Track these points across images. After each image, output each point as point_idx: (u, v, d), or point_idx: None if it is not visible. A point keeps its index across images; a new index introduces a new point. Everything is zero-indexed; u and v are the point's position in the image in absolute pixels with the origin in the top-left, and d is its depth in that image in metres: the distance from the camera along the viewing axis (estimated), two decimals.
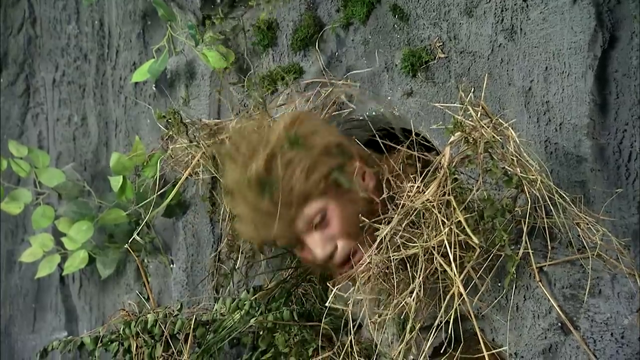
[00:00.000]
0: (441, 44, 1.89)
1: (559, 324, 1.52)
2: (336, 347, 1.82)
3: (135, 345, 1.90)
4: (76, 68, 2.96)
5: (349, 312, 1.63)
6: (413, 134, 1.73)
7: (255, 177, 1.73)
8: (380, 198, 1.69)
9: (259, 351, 1.91)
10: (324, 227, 1.77)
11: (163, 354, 1.87)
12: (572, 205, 1.56)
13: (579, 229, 1.56)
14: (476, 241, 1.45)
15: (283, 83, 2.17)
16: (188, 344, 1.86)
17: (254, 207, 1.75)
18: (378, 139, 1.78)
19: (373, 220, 1.62)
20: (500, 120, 1.55)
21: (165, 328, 1.88)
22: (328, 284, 1.72)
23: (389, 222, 1.57)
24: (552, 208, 1.54)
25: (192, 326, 1.86)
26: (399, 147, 1.77)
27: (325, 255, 1.77)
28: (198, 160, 2.11)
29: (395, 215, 1.56)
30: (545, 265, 1.55)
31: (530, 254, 1.54)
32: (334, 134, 1.87)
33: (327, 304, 1.67)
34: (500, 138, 1.52)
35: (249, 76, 2.19)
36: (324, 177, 1.74)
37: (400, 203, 1.57)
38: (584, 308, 1.51)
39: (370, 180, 1.82)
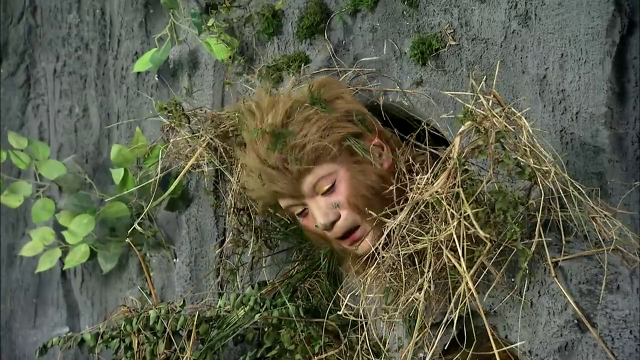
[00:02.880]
0: (452, 30, 1.87)
1: (576, 321, 1.49)
2: (343, 344, 1.81)
3: (136, 341, 1.90)
4: (77, 58, 2.97)
5: (359, 309, 1.62)
6: (423, 123, 1.71)
7: (270, 128, 1.71)
8: (393, 171, 1.69)
9: (264, 348, 1.90)
10: (330, 194, 1.73)
11: (165, 351, 1.87)
12: (588, 198, 1.54)
13: (594, 223, 1.53)
14: (483, 235, 1.42)
15: (289, 72, 2.15)
16: (191, 341, 1.85)
17: (263, 159, 1.73)
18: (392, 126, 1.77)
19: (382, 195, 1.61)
20: (513, 109, 1.53)
21: (167, 324, 1.87)
22: (339, 292, 1.70)
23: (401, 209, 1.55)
24: (566, 201, 1.52)
25: (195, 322, 1.86)
26: (407, 137, 1.77)
27: (327, 222, 1.73)
28: (201, 153, 2.08)
29: (405, 207, 1.53)
30: (560, 260, 1.53)
31: (545, 248, 1.51)
32: (358, 103, 1.85)
33: (339, 312, 1.65)
34: (513, 128, 1.50)
35: (260, 69, 2.17)
36: (339, 140, 1.72)
37: (409, 195, 1.55)
38: (602, 304, 1.48)
39: (386, 159, 1.79)
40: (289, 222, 2.10)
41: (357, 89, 2.02)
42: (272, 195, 1.78)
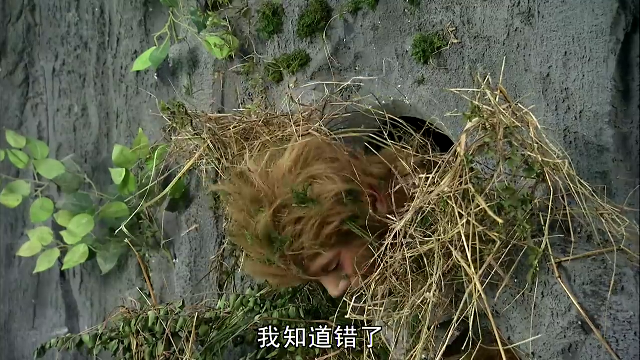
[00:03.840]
0: (454, 29, 1.85)
1: (580, 323, 1.47)
2: (344, 347, 1.80)
3: (135, 343, 1.90)
4: (76, 57, 2.97)
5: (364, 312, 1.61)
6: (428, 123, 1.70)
7: (264, 233, 1.67)
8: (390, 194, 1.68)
9: (264, 349, 1.88)
10: (337, 269, 1.75)
11: (164, 352, 1.87)
12: (595, 196, 1.52)
13: (603, 220, 1.52)
14: (501, 222, 1.39)
15: (289, 71, 2.14)
16: (190, 342, 1.85)
17: (264, 261, 1.72)
18: (386, 136, 1.75)
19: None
20: (520, 105, 1.51)
21: (166, 326, 1.87)
22: (345, 298, 1.67)
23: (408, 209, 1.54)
24: (573, 198, 1.50)
25: (194, 324, 1.85)
26: (414, 135, 1.75)
27: (340, 294, 1.75)
28: (202, 153, 2.07)
29: (410, 209, 1.52)
30: (564, 261, 1.51)
31: (549, 248, 1.50)
32: (345, 166, 1.76)
33: (347, 315, 1.63)
34: (521, 124, 1.48)
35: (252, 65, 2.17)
36: (336, 230, 1.69)
37: (414, 196, 1.54)
38: (606, 306, 1.47)
39: (382, 205, 1.76)
40: None
41: (351, 102, 2.02)
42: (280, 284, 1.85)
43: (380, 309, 1.61)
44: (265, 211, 1.67)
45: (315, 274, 1.74)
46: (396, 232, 1.55)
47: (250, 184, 1.72)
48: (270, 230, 1.66)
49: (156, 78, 2.54)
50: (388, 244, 1.57)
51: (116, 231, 2.30)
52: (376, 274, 1.59)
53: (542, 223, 1.50)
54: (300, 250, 1.67)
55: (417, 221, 1.52)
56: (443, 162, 1.52)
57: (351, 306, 1.62)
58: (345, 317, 1.64)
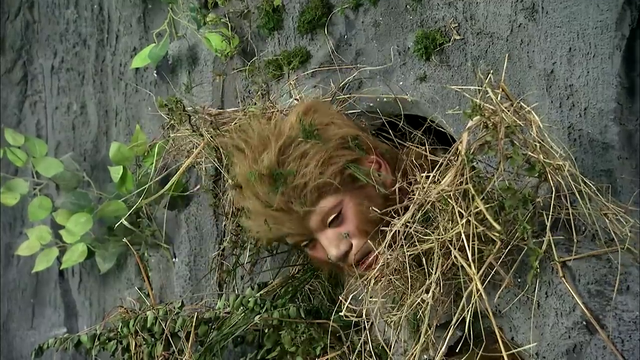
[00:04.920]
0: (457, 25, 1.84)
1: (584, 323, 1.47)
2: (345, 346, 1.80)
3: (134, 343, 1.89)
4: (75, 54, 2.96)
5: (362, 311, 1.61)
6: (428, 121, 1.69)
7: (267, 171, 1.68)
8: (394, 187, 1.66)
9: (264, 350, 1.89)
10: (338, 225, 1.73)
11: (163, 353, 1.86)
12: (599, 195, 1.52)
13: (606, 220, 1.51)
14: (498, 228, 1.40)
15: (289, 68, 2.13)
16: (190, 343, 1.84)
17: (265, 203, 1.71)
18: (389, 129, 1.77)
19: (388, 214, 1.59)
20: (522, 103, 1.51)
21: (165, 326, 1.86)
22: (340, 297, 1.69)
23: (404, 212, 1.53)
24: (577, 198, 1.50)
25: (193, 324, 1.85)
26: (415, 131, 1.76)
27: (340, 255, 1.72)
28: (201, 150, 2.07)
29: (410, 207, 1.51)
30: (569, 260, 1.50)
31: (553, 247, 1.49)
32: (350, 125, 1.83)
33: (341, 313, 1.64)
34: (523, 123, 1.47)
35: (252, 62, 2.16)
36: (339, 171, 1.70)
37: (414, 195, 1.53)
38: (611, 306, 1.46)
39: (386, 174, 1.78)
40: None
41: (350, 96, 2.02)
42: (277, 236, 1.78)
43: (379, 306, 1.61)
44: (271, 149, 1.69)
45: (316, 225, 1.72)
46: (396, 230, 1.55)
47: (255, 126, 1.75)
48: (274, 167, 1.68)
49: (155, 75, 2.53)
50: (388, 240, 1.56)
51: (115, 225, 2.30)
52: (375, 270, 1.58)
53: (546, 222, 1.49)
54: (303, 188, 1.67)
55: (417, 219, 1.52)
56: (444, 160, 1.51)
57: (346, 306, 1.62)
58: (344, 316, 1.64)
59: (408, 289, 1.54)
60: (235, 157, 1.78)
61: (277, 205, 1.69)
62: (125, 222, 2.19)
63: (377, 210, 1.64)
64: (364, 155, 1.75)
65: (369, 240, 1.69)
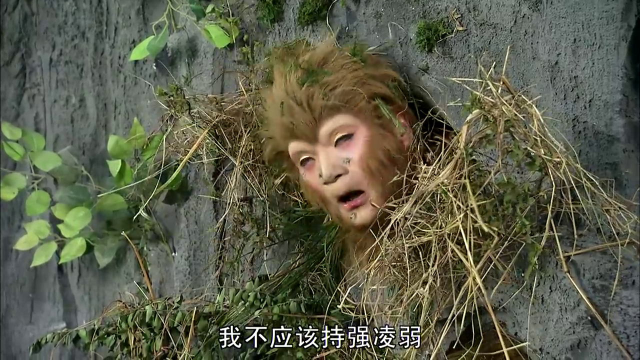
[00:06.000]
0: (459, 15, 1.83)
1: (589, 318, 1.46)
2: (345, 340, 1.77)
3: (133, 338, 1.88)
4: (74, 47, 2.97)
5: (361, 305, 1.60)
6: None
7: (306, 64, 1.73)
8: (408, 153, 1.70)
9: (264, 345, 1.85)
10: (344, 147, 1.73)
11: (162, 347, 1.85)
12: (602, 190, 1.51)
13: (608, 216, 1.50)
14: (486, 230, 1.39)
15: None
16: (189, 337, 1.83)
17: (290, 91, 1.73)
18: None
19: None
20: (523, 97, 1.50)
21: (164, 320, 1.85)
22: (339, 289, 1.70)
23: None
24: (579, 192, 1.49)
25: (193, 318, 1.83)
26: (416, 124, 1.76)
27: (332, 174, 1.72)
28: (202, 141, 2.06)
29: (411, 198, 1.50)
30: (573, 255, 1.49)
31: (557, 242, 1.48)
32: (397, 74, 1.86)
33: (340, 306, 1.65)
34: (523, 116, 1.47)
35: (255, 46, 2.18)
36: (369, 95, 1.73)
37: (415, 185, 1.53)
38: (616, 301, 1.45)
39: (406, 136, 1.78)
40: (291, 212, 2.08)
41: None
42: (285, 133, 1.77)
43: (378, 300, 1.60)
44: (316, 52, 1.78)
45: (323, 136, 1.73)
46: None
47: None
48: (313, 64, 1.74)
49: (154, 68, 2.54)
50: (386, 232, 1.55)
51: (134, 216, 2.30)
52: (375, 262, 1.57)
53: (548, 217, 1.48)
54: (332, 89, 1.70)
55: (418, 209, 1.51)
56: (444, 152, 1.50)
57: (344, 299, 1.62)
58: (342, 309, 1.64)
59: (407, 280, 1.53)
60: (280, 59, 1.82)
61: (300, 97, 1.71)
62: (143, 214, 2.19)
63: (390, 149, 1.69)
64: (396, 100, 1.78)
65: (365, 176, 1.71)
